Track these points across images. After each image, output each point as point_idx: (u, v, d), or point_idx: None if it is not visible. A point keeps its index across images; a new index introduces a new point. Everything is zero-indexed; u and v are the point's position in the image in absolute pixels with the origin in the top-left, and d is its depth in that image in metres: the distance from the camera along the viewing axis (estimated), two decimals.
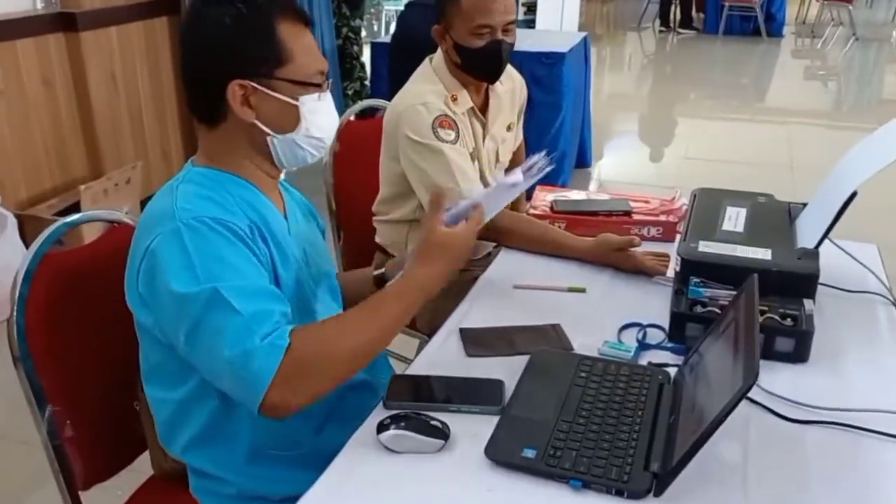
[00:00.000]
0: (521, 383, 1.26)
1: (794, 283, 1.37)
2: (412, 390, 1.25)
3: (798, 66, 8.85)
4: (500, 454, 1.10)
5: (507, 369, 1.31)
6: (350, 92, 5.27)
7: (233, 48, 1.19)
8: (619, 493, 1.03)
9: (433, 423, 1.14)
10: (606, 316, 1.49)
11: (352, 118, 2.35)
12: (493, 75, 1.92)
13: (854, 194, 1.38)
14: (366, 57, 5.28)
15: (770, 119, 6.38)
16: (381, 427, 1.13)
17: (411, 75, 2.01)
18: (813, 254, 1.42)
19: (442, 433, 1.13)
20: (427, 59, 2.00)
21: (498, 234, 1.84)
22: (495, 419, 1.18)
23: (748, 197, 1.69)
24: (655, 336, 1.42)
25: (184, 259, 1.10)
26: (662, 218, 1.82)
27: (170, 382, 1.25)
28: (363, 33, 5.44)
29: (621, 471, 1.06)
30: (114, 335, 1.50)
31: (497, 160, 2.08)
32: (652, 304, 1.52)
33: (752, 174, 4.69)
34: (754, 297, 1.12)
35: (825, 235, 1.42)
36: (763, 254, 1.43)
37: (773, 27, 9.14)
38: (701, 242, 1.46)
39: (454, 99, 1.91)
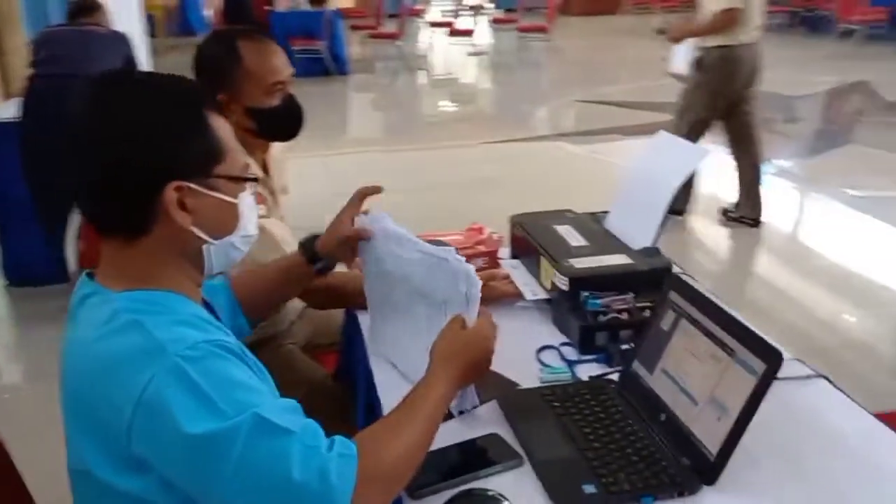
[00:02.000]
0: (517, 431, 1.27)
1: (657, 277, 1.58)
2: (429, 471, 1.18)
3: (366, 99, 9.67)
4: (569, 500, 1.12)
5: (474, 422, 1.32)
6: None
7: (169, 147, 1.03)
8: (681, 494, 1.13)
9: (490, 493, 1.11)
10: (506, 347, 1.54)
11: None
12: (296, 130, 1.87)
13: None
14: None
15: (365, 149, 6.85)
16: None
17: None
18: (656, 250, 1.66)
19: (503, 500, 1.10)
20: None
21: (348, 298, 1.75)
22: (519, 471, 1.19)
23: (558, 215, 1.89)
24: (565, 353, 1.53)
25: (197, 397, 0.93)
26: (483, 248, 1.93)
27: None
28: None
29: (668, 475, 1.15)
30: None
31: None
32: (534, 325, 1.65)
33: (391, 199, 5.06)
34: (698, 292, 1.31)
35: (658, 235, 1.68)
36: (623, 259, 1.63)
37: (340, 66, 9.83)
38: (570, 261, 1.61)
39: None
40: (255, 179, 1.14)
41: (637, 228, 1.72)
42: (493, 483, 1.16)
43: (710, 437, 1.16)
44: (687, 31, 4.34)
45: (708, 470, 1.15)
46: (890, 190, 5.40)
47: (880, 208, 4.93)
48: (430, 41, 11.94)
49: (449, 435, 1.28)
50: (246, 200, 1.12)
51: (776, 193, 5.22)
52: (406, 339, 1.45)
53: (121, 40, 3.61)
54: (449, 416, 1.32)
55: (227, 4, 9.93)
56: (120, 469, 0.96)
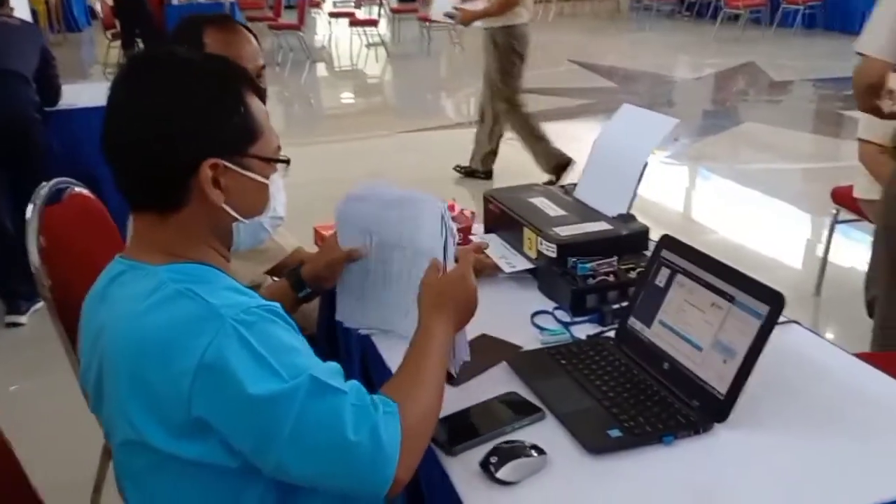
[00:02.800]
0: (535, 388, 1.34)
1: (637, 241, 1.69)
2: (459, 430, 1.22)
3: (271, 92, 9.28)
4: (598, 445, 1.19)
5: (489, 384, 1.37)
6: None
7: (206, 125, 1.05)
8: (697, 432, 1.22)
9: (525, 443, 1.17)
10: (499, 316, 1.61)
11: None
12: None
13: (646, 165, 1.75)
14: None
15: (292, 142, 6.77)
16: (490, 465, 1.12)
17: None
18: (632, 216, 1.76)
19: (539, 450, 1.16)
20: None
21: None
22: (543, 424, 1.25)
23: (529, 188, 1.96)
24: (558, 316, 1.61)
25: (256, 359, 0.96)
26: (457, 224, 1.97)
27: None
28: None
29: (683, 415, 1.24)
30: None
31: None
32: (520, 293, 1.72)
33: (319, 191, 5.03)
34: (692, 248, 1.40)
35: (632, 201, 1.77)
36: (604, 225, 1.72)
37: None
38: (555, 229, 1.68)
39: None
40: (287, 161, 1.15)
41: (610, 197, 1.81)
42: (521, 436, 1.21)
43: (718, 378, 1.26)
44: (473, 15, 4.97)
45: (719, 408, 1.24)
46: (775, 162, 5.78)
47: (766, 180, 5.28)
48: (331, 32, 11.84)
49: (468, 397, 1.33)
50: (276, 182, 1.14)
51: (671, 173, 5.50)
52: (388, 299, 1.51)
53: (35, 31, 3.45)
54: (451, 379, 1.36)
55: None
56: (179, 436, 0.97)
